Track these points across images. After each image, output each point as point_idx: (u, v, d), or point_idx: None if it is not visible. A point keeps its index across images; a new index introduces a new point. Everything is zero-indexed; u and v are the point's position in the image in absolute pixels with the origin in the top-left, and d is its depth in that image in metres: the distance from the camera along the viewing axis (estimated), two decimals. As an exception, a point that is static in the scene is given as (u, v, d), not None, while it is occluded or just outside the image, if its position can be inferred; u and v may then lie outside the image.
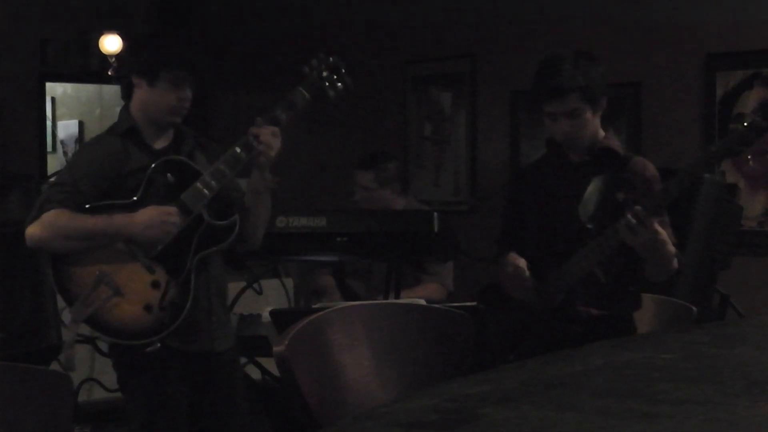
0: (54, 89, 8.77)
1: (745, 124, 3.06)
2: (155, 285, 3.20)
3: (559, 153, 3.34)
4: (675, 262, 3.19)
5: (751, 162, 5.30)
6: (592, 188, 3.25)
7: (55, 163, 8.25)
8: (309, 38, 7.34)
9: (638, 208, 3.03)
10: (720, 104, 5.56)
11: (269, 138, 3.21)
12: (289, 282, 5.44)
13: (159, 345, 3.17)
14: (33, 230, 3.16)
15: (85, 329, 3.34)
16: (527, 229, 3.37)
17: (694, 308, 3.41)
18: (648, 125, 5.88)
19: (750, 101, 5.44)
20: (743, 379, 2.10)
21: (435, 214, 4.09)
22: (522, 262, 3.25)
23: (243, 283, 4.74)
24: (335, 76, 3.33)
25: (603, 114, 3.32)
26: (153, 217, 3.16)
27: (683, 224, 4.58)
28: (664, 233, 3.10)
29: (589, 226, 3.21)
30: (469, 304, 3.26)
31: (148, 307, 3.18)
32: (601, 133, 3.33)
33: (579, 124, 3.24)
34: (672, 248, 3.14)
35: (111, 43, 7.67)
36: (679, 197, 3.10)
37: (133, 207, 3.18)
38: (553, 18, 6.24)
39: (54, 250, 3.18)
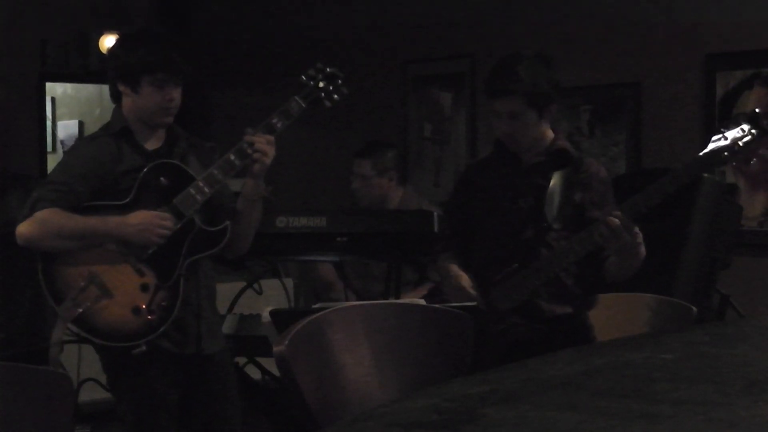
0: (54, 89, 8.77)
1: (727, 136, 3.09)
2: (144, 288, 3.19)
3: (511, 153, 3.35)
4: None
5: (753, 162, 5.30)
6: (553, 188, 3.26)
7: (55, 163, 8.24)
8: (309, 38, 7.34)
9: (618, 213, 3.05)
10: (720, 104, 5.55)
11: (264, 146, 3.21)
12: (289, 282, 5.44)
13: (145, 348, 3.17)
14: (25, 228, 3.15)
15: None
16: (480, 228, 3.38)
17: (694, 308, 3.41)
18: (648, 125, 5.88)
19: (750, 101, 5.44)
20: (743, 379, 2.10)
21: (435, 214, 4.09)
22: (465, 279, 3.29)
23: (243, 283, 4.74)
24: (332, 87, 3.35)
25: (549, 116, 3.34)
26: (146, 221, 3.15)
27: (683, 224, 4.58)
28: (641, 236, 3.12)
29: (556, 226, 3.23)
30: (469, 304, 3.25)
31: (136, 310, 3.17)
32: (550, 134, 3.34)
33: (519, 125, 3.27)
34: (644, 250, 3.17)
35: (111, 43, 7.66)
36: (679, 197, 3.11)
37: (126, 209, 3.18)
38: (553, 18, 6.24)
39: (45, 248, 3.18)
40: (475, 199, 3.40)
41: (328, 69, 3.36)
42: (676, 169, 3.13)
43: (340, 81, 3.37)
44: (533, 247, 3.23)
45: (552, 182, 3.26)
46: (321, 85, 3.34)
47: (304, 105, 3.30)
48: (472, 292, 3.27)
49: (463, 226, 3.43)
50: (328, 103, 3.36)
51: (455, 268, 3.35)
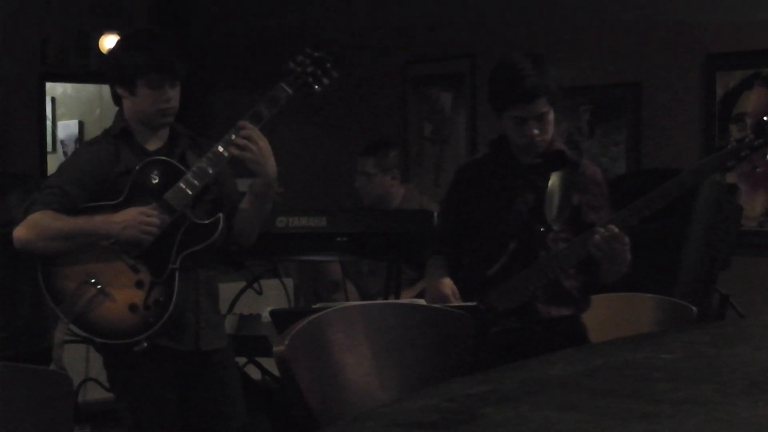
0: (54, 89, 8.78)
1: (735, 141, 3.08)
2: (139, 284, 3.21)
3: (508, 154, 3.33)
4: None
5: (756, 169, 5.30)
6: (552, 188, 3.25)
7: (55, 163, 8.24)
8: (309, 38, 7.33)
9: (612, 226, 3.06)
10: (720, 104, 5.56)
11: (249, 132, 3.18)
12: (289, 282, 5.45)
13: (146, 344, 3.18)
14: (19, 232, 3.20)
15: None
16: (476, 228, 3.37)
17: (694, 308, 3.41)
18: (648, 125, 5.88)
19: (750, 101, 5.44)
20: (743, 379, 2.11)
21: (435, 214, 4.09)
22: (448, 286, 3.28)
23: (243, 283, 4.75)
24: (320, 71, 3.33)
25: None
26: (131, 218, 3.17)
27: (683, 224, 4.58)
28: (628, 242, 3.13)
29: (555, 227, 3.22)
30: (469, 304, 3.25)
31: (132, 307, 3.19)
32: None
33: (545, 127, 3.24)
34: (629, 256, 3.17)
35: (111, 43, 7.67)
36: (680, 196, 3.11)
37: (119, 207, 3.20)
38: (553, 18, 6.24)
39: (39, 250, 3.21)
40: (471, 199, 3.38)
41: (316, 53, 3.33)
42: (680, 175, 3.12)
43: (328, 64, 3.33)
44: (532, 248, 3.23)
45: (551, 183, 3.25)
46: (309, 69, 3.31)
47: (290, 91, 3.28)
48: (454, 300, 3.25)
49: (459, 225, 3.42)
50: (317, 87, 3.32)
51: (439, 275, 3.33)
